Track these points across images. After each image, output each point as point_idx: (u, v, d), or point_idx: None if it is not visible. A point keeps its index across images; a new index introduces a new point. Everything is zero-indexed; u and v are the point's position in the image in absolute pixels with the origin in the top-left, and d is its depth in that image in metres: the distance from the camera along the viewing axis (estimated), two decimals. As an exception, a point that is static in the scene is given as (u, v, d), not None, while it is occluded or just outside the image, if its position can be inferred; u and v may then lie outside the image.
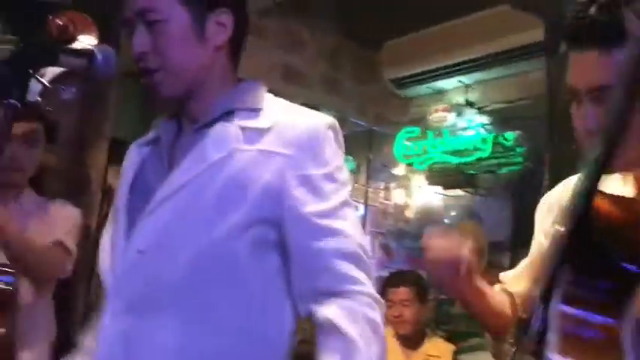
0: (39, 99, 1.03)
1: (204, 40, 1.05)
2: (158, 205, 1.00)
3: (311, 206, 0.99)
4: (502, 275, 1.32)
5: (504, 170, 4.30)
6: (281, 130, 1.02)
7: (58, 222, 1.90)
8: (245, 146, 1.02)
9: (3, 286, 1.40)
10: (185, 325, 0.97)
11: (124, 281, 1.01)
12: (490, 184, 4.43)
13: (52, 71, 1.06)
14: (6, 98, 0.84)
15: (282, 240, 1.01)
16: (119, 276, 1.01)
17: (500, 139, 4.27)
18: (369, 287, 0.99)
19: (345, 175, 1.06)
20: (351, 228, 1.01)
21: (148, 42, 1.03)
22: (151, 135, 1.14)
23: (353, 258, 0.99)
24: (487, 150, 4.28)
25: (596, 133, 0.98)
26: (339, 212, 1.01)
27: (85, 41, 1.22)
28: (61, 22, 1.43)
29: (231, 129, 1.03)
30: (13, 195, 1.88)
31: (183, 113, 1.11)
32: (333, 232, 0.99)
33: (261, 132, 1.03)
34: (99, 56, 0.99)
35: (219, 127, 1.04)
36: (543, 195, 1.26)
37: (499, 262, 3.59)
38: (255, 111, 1.06)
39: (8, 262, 1.61)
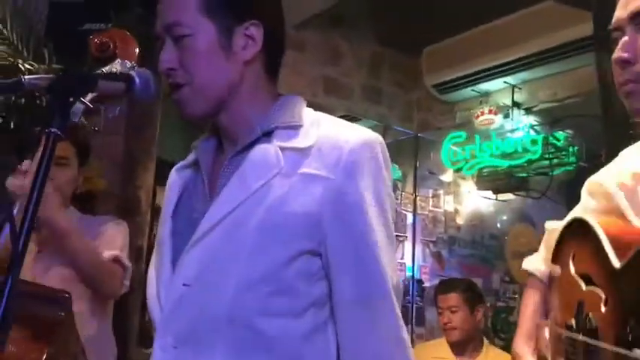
0: (82, 119, 1.03)
1: (232, 54, 1.02)
2: (201, 237, 0.98)
3: (356, 235, 0.97)
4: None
5: (557, 171, 4.15)
6: (323, 150, 0.99)
7: (106, 239, 1.92)
8: (286, 170, 0.98)
9: (55, 313, 1.41)
10: (235, 358, 0.95)
11: (172, 315, 0.99)
12: (542, 186, 4.29)
13: (92, 95, 1.07)
14: (48, 127, 0.84)
15: (326, 265, 0.99)
16: (166, 309, 1.00)
17: (551, 140, 4.13)
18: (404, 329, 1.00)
19: (390, 195, 1.03)
20: (391, 263, 1.00)
21: (175, 57, 1.02)
22: (190, 157, 1.13)
23: (398, 295, 0.99)
24: (537, 151, 4.14)
25: (630, 64, 0.92)
26: (383, 247, 0.98)
27: (125, 59, 1.23)
28: (100, 41, 1.45)
29: (270, 151, 1.00)
30: None
31: (220, 131, 1.09)
32: (377, 266, 0.97)
33: (302, 152, 0.99)
34: (137, 80, 0.98)
35: (258, 150, 1.01)
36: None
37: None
38: (294, 128, 1.03)
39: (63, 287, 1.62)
